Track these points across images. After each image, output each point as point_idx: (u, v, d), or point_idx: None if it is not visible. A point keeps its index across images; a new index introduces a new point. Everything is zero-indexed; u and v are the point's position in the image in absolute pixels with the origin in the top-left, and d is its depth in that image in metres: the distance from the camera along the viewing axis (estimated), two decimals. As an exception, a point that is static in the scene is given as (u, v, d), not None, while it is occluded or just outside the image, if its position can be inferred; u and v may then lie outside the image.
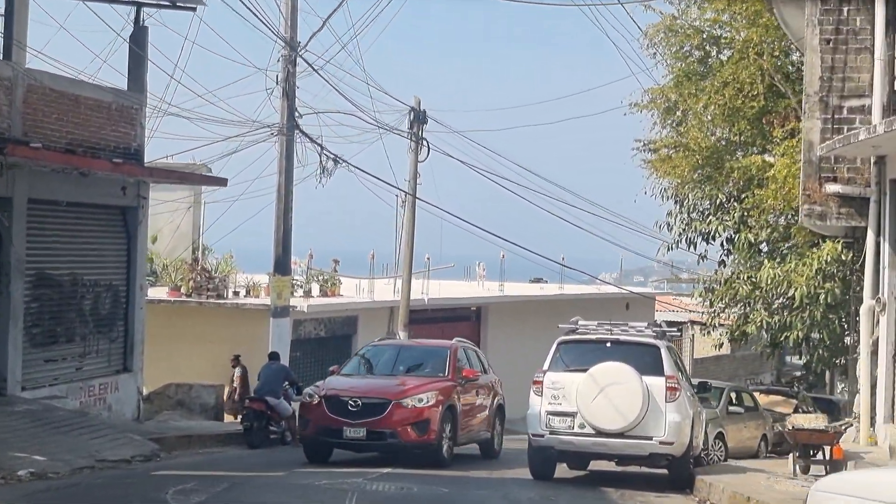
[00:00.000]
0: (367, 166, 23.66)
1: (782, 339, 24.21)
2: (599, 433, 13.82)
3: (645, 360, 14.01)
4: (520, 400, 32.78)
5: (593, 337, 14.77)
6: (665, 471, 14.52)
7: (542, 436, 14.21)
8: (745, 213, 24.64)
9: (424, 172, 28.33)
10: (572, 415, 13.99)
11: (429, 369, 16.79)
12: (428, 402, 15.48)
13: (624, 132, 29.61)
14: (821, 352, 23.92)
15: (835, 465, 13.56)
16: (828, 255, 21.68)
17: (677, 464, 14.07)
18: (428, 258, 28.80)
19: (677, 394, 13.87)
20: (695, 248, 26.65)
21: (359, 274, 27.40)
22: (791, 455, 14.16)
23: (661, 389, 13.76)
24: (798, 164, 21.82)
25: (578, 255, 35.46)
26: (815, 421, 14.20)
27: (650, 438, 13.70)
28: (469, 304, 31.83)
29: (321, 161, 22.11)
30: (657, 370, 13.94)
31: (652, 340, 14.40)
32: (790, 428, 13.96)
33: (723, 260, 26.43)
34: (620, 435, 13.75)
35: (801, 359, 25.14)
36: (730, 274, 25.21)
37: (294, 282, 26.28)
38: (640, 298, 39.62)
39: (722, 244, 26.38)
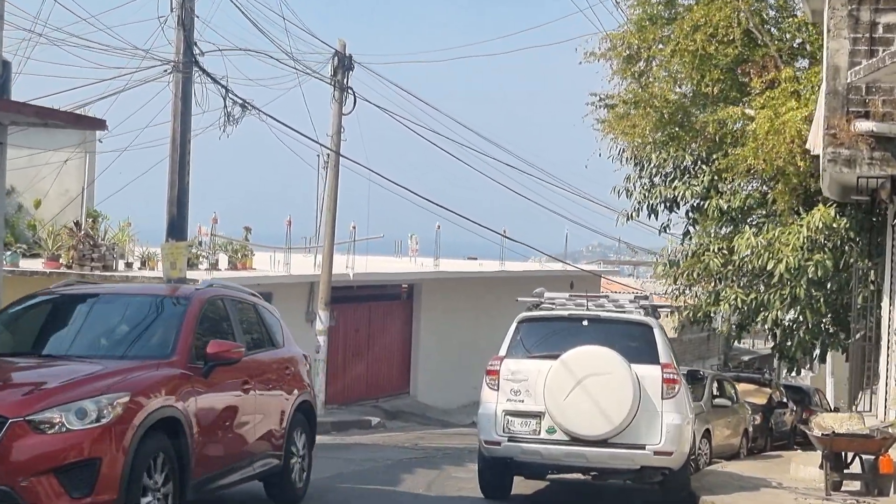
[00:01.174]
0: (284, 119, 20.12)
1: (758, 319, 21.19)
2: (575, 440, 10.48)
3: (634, 343, 10.71)
4: (458, 390, 29.46)
5: (565, 313, 11.40)
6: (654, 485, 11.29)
7: (499, 443, 10.82)
8: (716, 177, 21.59)
9: (351, 130, 24.87)
10: (538, 415, 10.65)
11: (134, 344, 8.80)
12: (100, 416, 7.49)
13: (578, 87, 26.33)
14: (801, 334, 20.91)
15: (880, 481, 10.40)
16: (820, 221, 18.67)
17: (675, 479, 10.80)
18: (354, 227, 25.36)
19: (676, 388, 10.60)
20: (656, 216, 23.54)
21: (274, 244, 23.78)
22: (823, 466, 10.97)
23: (657, 382, 10.48)
24: (781, 119, 18.81)
25: (517, 234, 32.13)
26: (848, 422, 11.03)
27: (642, 447, 10.40)
28: (400, 280, 28.41)
29: (225, 106, 18.47)
30: (650, 357, 10.66)
31: (642, 318, 11.09)
32: (825, 433, 10.75)
33: (688, 230, 23.34)
34: (603, 443, 10.43)
35: (776, 342, 22.05)
36: (697, 246, 22.12)
37: (198, 253, 22.68)
38: (589, 277, 36.49)
39: (687, 213, 23.29)
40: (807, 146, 17.31)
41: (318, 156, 24.02)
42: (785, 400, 23.93)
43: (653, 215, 23.50)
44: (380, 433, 22.65)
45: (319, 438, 19.46)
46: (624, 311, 11.31)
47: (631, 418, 10.28)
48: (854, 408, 17.10)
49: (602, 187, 31.56)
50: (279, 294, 23.67)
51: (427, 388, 29.01)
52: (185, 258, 17.76)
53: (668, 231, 24.32)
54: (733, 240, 20.64)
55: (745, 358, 49.54)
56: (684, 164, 22.64)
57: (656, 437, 10.35)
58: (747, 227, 20.19)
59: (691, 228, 23.10)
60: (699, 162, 22.36)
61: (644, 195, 23.20)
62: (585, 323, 11.02)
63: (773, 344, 24.67)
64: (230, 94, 18.46)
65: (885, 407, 15.97)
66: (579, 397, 10.31)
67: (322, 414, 22.66)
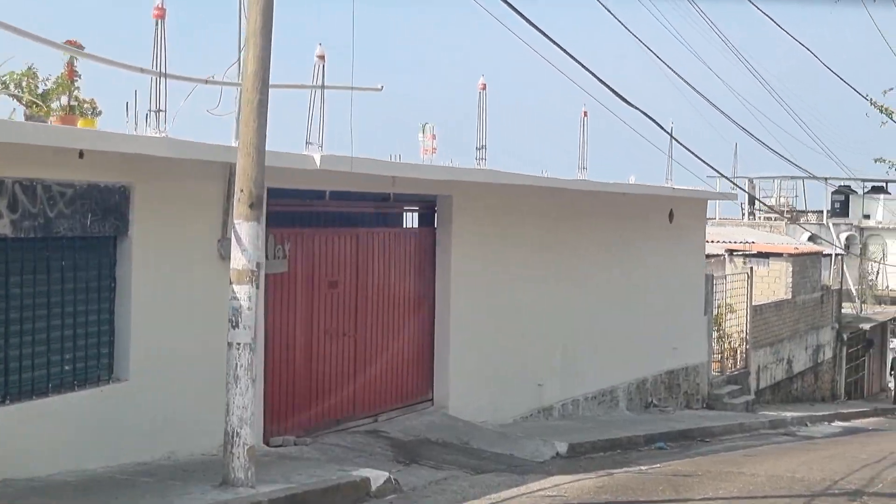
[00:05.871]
0: None
1: None
2: None
3: None
4: (515, 391, 16.25)
5: None
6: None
7: None
8: None
9: None
10: None
11: None
12: None
13: None
14: None
15: None
16: None
17: None
18: (321, 56, 11.71)
19: None
20: None
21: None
22: None
23: None
24: None
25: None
26: None
27: None
28: (417, 181, 14.65)
29: None
30: None
31: None
32: None
33: None
34: None
35: None
36: None
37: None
38: (688, 203, 23.14)
39: None
40: None
41: None
42: None
43: None
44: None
45: None
46: None
47: None
48: None
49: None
50: (147, 185, 10.20)
51: (464, 391, 15.61)
52: None
53: None
54: None
55: (865, 326, 36.48)
56: None
57: None
58: None
59: None
60: None
61: None
62: None
63: None
64: None
65: None
66: None
67: (249, 473, 9.12)
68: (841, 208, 49.62)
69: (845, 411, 28.15)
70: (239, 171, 8.94)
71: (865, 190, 49.71)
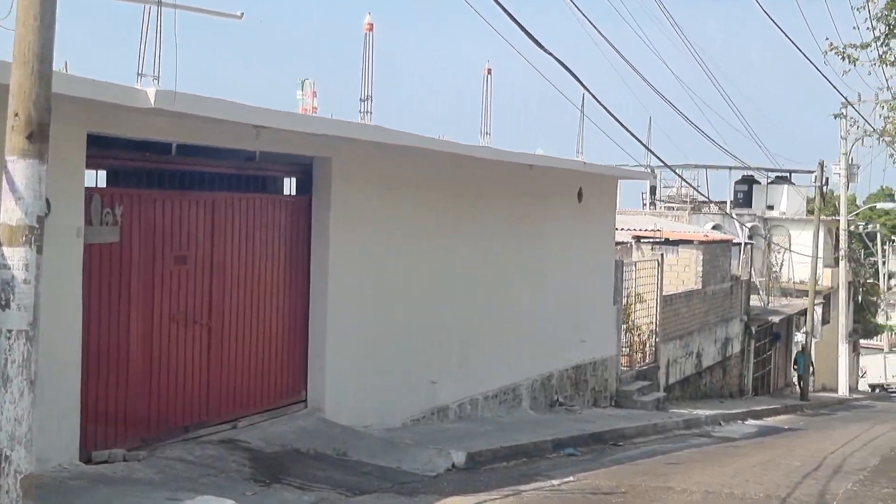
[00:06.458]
0: None
1: None
2: None
3: None
4: (403, 389, 13.90)
5: None
6: None
7: None
8: None
9: None
10: None
11: None
12: None
13: None
14: None
15: None
16: None
17: None
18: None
19: None
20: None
21: None
22: None
23: None
24: None
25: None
26: None
27: None
28: (289, 137, 12.04)
29: None
30: None
31: None
32: None
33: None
34: None
35: None
36: None
37: None
38: (598, 182, 20.99)
39: None
40: None
41: None
42: None
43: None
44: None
45: None
46: None
47: None
48: None
49: None
50: None
51: (344, 390, 13.14)
52: None
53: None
54: None
55: (774, 319, 35.02)
56: None
57: None
58: None
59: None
60: None
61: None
62: None
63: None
64: None
65: None
66: None
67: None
68: (744, 198, 48.40)
69: (758, 409, 26.62)
70: (13, 87, 6.35)
71: (769, 180, 48.54)
